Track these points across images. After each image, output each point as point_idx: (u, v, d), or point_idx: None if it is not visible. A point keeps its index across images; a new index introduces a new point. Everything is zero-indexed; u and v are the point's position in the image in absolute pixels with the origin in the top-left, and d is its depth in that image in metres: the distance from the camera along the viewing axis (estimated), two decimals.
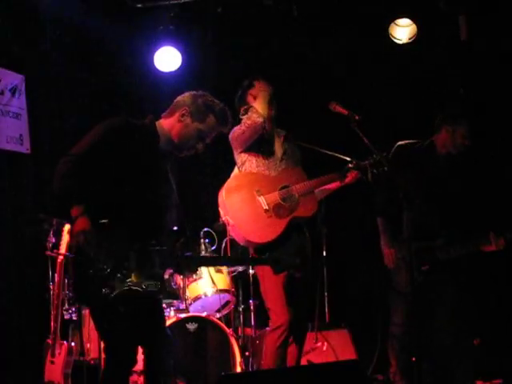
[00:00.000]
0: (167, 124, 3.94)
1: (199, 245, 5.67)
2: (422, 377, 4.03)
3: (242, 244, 4.81)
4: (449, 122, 5.27)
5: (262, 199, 4.69)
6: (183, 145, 3.94)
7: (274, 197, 4.72)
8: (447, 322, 5.09)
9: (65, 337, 5.30)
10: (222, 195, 4.74)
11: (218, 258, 5.35)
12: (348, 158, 4.85)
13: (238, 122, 4.82)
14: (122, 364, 3.71)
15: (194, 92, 3.99)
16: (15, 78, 5.62)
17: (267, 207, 4.67)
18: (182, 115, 3.91)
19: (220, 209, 4.81)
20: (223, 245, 5.68)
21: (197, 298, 5.57)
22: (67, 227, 4.97)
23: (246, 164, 4.85)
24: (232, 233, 4.84)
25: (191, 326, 5.15)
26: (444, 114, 5.33)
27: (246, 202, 4.70)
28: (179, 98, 4.00)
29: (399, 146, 5.25)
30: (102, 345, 4.79)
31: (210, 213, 6.15)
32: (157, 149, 3.89)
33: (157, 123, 3.94)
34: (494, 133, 6.10)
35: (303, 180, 4.79)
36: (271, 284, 4.70)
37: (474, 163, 5.40)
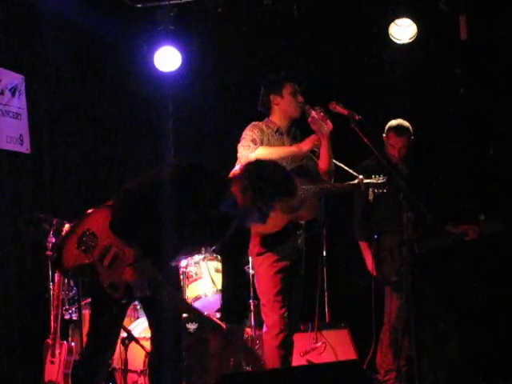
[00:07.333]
0: None
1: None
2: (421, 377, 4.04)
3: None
4: (385, 135, 5.30)
5: None
6: None
7: None
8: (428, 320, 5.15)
9: (65, 337, 5.30)
10: None
11: None
12: (353, 172, 4.79)
13: None
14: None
15: None
16: (15, 78, 5.62)
17: None
18: None
19: None
20: None
21: (197, 298, 5.57)
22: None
23: None
24: None
25: (191, 326, 5.14)
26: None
27: None
28: None
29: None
30: None
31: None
32: None
33: None
34: (492, 132, 6.11)
35: None
36: (264, 282, 4.70)
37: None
